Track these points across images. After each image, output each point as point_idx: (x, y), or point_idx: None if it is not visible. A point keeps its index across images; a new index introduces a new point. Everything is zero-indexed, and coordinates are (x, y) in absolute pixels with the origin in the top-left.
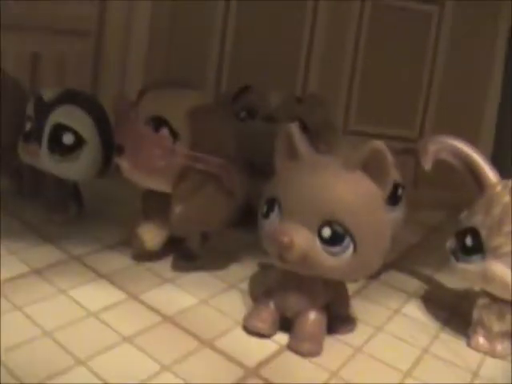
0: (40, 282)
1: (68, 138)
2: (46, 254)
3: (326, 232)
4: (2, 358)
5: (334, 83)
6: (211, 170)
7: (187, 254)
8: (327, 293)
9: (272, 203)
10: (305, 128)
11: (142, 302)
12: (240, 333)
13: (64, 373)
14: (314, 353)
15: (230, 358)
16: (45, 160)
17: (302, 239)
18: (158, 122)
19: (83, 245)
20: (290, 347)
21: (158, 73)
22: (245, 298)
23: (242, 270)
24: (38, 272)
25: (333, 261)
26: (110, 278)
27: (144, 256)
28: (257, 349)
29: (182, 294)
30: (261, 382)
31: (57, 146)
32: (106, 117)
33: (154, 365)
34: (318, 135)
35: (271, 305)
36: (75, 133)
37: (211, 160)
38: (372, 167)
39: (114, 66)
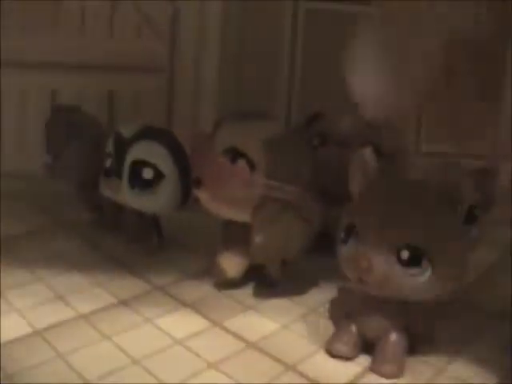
0: (127, 311)
1: (147, 173)
2: (130, 285)
3: (405, 254)
4: None
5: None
6: (288, 198)
7: (267, 280)
8: (408, 314)
9: (350, 229)
10: (378, 152)
11: (226, 329)
12: (323, 356)
13: None
14: (396, 374)
15: (314, 382)
16: (125, 194)
17: (381, 262)
18: (235, 154)
19: (166, 275)
20: (373, 369)
21: (230, 104)
22: (325, 322)
23: (321, 295)
24: (124, 303)
25: (411, 282)
26: (193, 307)
27: (225, 284)
28: (340, 372)
29: (264, 320)
30: None
31: (137, 181)
32: (183, 151)
33: None
34: (392, 159)
35: (353, 328)
36: (154, 168)
37: (288, 189)
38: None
39: (186, 100)
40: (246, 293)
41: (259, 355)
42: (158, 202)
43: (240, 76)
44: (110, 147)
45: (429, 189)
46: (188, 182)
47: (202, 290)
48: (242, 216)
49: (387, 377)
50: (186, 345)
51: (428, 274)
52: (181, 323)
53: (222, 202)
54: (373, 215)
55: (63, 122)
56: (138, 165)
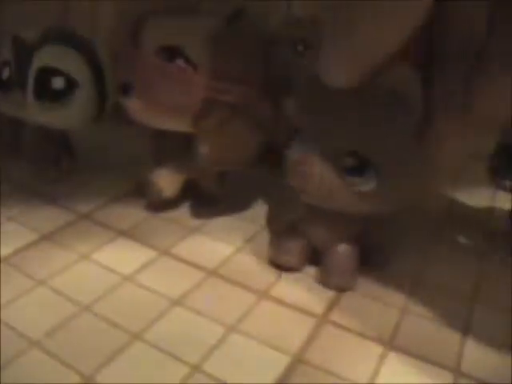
0: (54, 248)
1: (58, 82)
2: (51, 216)
3: (349, 162)
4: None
5: None
6: (235, 101)
7: (205, 198)
8: (357, 225)
9: (296, 131)
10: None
11: (176, 257)
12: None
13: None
14: (343, 287)
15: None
16: (31, 109)
17: (323, 168)
18: (171, 53)
19: (87, 201)
20: (321, 281)
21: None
22: None
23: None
24: (48, 238)
25: (354, 193)
26: (130, 235)
27: (160, 205)
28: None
29: (216, 244)
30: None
31: (45, 92)
32: (98, 55)
33: (217, 327)
34: None
35: (299, 238)
36: (66, 75)
37: (234, 90)
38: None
39: None
40: (184, 214)
41: (224, 284)
42: (70, 115)
43: None
44: (6, 54)
45: (378, 96)
46: (104, 90)
47: (134, 214)
48: (181, 125)
49: (335, 289)
50: (137, 281)
51: (372, 185)
52: (123, 256)
53: (158, 110)
54: (320, 118)
55: None
56: (46, 73)
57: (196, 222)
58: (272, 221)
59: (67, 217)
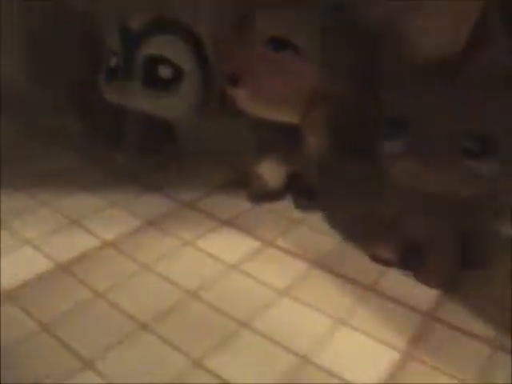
0: (159, 234)
1: (164, 71)
2: (154, 203)
3: (468, 144)
4: None
5: None
6: (344, 92)
7: (307, 191)
8: (459, 218)
9: (398, 122)
10: None
11: (281, 249)
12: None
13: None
14: (440, 285)
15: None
16: (138, 98)
17: (440, 155)
18: (280, 43)
19: (191, 190)
20: (417, 277)
21: None
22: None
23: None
24: (152, 224)
25: (474, 176)
26: (233, 224)
27: (263, 197)
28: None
29: (321, 236)
30: None
31: (152, 81)
32: (203, 44)
33: (324, 319)
34: None
35: (398, 233)
36: (173, 65)
37: (343, 81)
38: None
39: None
40: (285, 206)
41: (329, 276)
42: (176, 104)
43: None
44: (113, 43)
45: (493, 72)
46: (209, 80)
47: (238, 204)
48: (288, 115)
49: (431, 286)
50: (243, 270)
51: (494, 166)
52: (227, 244)
53: (266, 100)
54: (428, 103)
55: (44, 16)
56: (153, 62)
57: (299, 215)
58: (369, 215)
59: (171, 205)
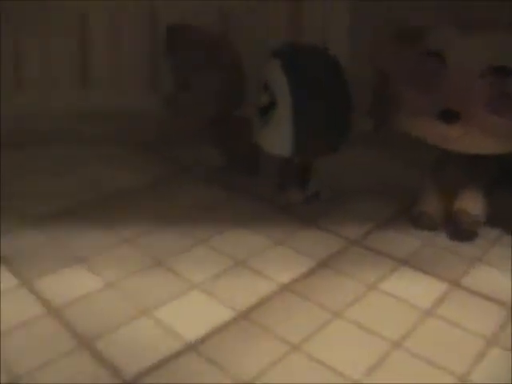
0: (337, 276)
1: (264, 98)
2: (320, 241)
3: None
4: None
5: None
6: None
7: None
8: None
9: None
10: None
11: (467, 289)
12: None
13: None
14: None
15: None
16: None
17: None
18: (503, 73)
19: (352, 226)
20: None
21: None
22: None
23: None
24: (326, 265)
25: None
26: (412, 264)
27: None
28: None
29: (503, 274)
30: None
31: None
32: (319, 76)
33: None
34: None
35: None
36: (270, 92)
37: None
38: None
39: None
40: (457, 243)
41: None
42: (271, 136)
43: None
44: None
45: None
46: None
47: (407, 241)
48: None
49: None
50: (436, 316)
51: None
52: (412, 287)
53: (492, 136)
54: None
55: (189, 45)
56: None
57: (476, 251)
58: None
59: (337, 241)
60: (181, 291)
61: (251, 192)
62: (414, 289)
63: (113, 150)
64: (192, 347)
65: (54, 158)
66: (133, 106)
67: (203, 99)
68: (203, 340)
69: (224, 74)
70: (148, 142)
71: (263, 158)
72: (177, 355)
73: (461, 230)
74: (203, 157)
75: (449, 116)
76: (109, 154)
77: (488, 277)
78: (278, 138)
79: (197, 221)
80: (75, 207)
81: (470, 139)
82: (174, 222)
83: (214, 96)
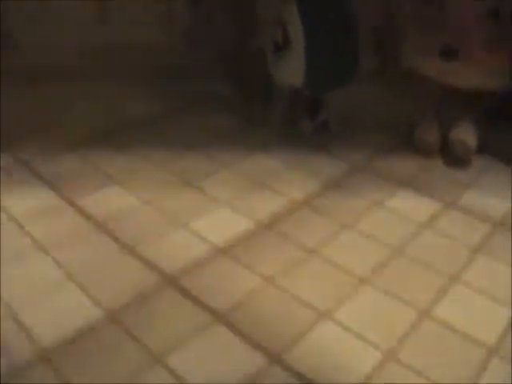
0: (345, 195)
1: (277, 36)
2: (327, 165)
3: None
4: None
5: None
6: None
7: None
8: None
9: None
10: None
11: (462, 209)
12: None
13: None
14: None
15: None
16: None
17: None
18: (497, 15)
19: (360, 152)
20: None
21: None
22: None
23: None
24: (334, 185)
25: None
26: (411, 186)
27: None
28: None
29: (491, 198)
30: None
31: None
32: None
33: None
34: None
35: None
36: (283, 29)
37: None
38: None
39: None
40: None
41: None
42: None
43: None
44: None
45: None
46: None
47: (407, 166)
48: (495, 83)
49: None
50: (436, 230)
51: None
52: (412, 204)
53: (483, 71)
54: None
55: None
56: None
57: (465, 176)
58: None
59: (345, 166)
60: (209, 207)
61: (265, 122)
62: (413, 206)
63: (129, 83)
64: (222, 250)
65: (76, 93)
66: (147, 41)
67: (225, 34)
68: (232, 245)
69: (245, 11)
70: (162, 77)
71: (276, 92)
72: (209, 258)
73: (456, 158)
74: (218, 89)
75: (449, 53)
76: (124, 88)
77: (478, 199)
78: (291, 71)
79: (218, 147)
80: (103, 134)
81: (467, 75)
82: (197, 148)
83: (235, 31)
